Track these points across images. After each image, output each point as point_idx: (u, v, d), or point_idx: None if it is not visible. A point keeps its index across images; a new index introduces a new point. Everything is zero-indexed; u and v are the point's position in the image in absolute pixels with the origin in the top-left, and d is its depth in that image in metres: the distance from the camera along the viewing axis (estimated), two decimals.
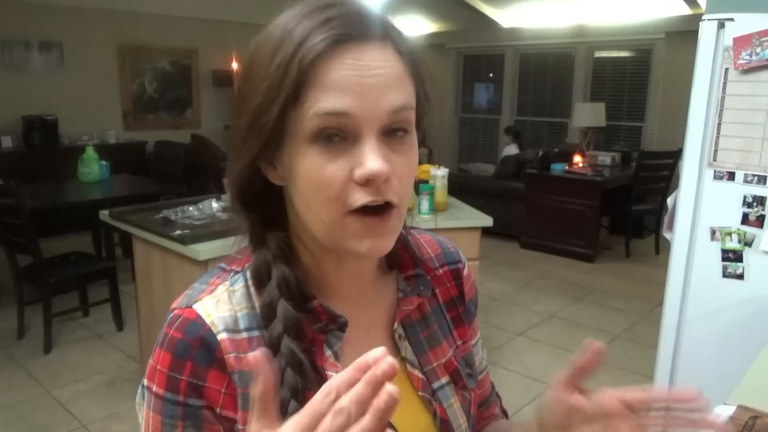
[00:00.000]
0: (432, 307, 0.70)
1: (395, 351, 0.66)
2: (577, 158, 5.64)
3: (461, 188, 4.29)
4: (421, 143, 0.60)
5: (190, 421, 0.56)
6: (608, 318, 3.92)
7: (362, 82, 0.52)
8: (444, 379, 0.67)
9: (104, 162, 4.60)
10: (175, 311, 0.58)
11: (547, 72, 7.24)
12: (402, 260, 0.68)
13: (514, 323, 3.86)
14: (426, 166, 3.20)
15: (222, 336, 0.56)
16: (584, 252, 5.21)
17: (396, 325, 0.65)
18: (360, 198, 0.53)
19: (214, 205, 2.71)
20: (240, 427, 0.56)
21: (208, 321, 0.56)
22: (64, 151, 5.73)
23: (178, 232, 2.36)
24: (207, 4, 6.46)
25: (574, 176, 5.30)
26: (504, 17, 7.12)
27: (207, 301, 0.58)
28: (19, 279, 3.35)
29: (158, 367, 0.56)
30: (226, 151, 0.60)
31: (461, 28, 7.52)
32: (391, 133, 0.54)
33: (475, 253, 2.87)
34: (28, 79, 5.84)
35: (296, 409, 0.54)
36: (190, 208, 2.64)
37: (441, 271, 0.73)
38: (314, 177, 0.53)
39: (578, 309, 4.09)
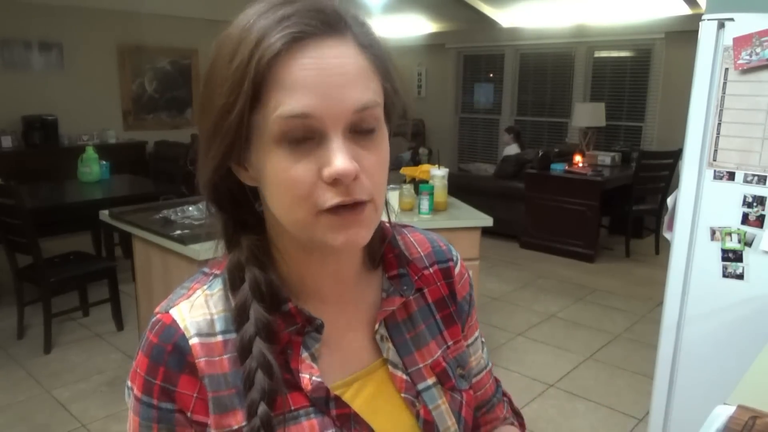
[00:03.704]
0: (419, 307, 0.69)
1: (376, 352, 0.64)
2: (577, 158, 5.65)
3: (461, 188, 4.29)
4: (396, 134, 0.61)
5: (163, 424, 0.57)
6: (608, 318, 3.92)
7: (323, 81, 0.51)
8: (431, 380, 0.66)
9: (104, 162, 4.60)
10: (157, 315, 0.59)
11: (547, 72, 7.24)
12: (387, 259, 0.67)
13: (514, 323, 3.86)
14: (426, 166, 3.20)
15: (194, 341, 0.57)
16: (584, 252, 5.21)
17: (377, 325, 0.64)
18: (330, 198, 0.52)
19: None
20: (212, 431, 0.56)
21: (181, 326, 0.57)
22: (64, 151, 5.74)
23: (177, 232, 2.36)
24: (207, 4, 6.45)
25: (574, 176, 5.30)
26: (504, 17, 7.12)
27: (183, 306, 0.59)
28: (19, 279, 3.35)
29: (137, 370, 0.58)
30: (195, 155, 0.59)
31: (461, 28, 7.52)
32: (358, 131, 0.53)
33: (475, 253, 2.87)
34: (28, 79, 5.84)
35: (265, 412, 0.54)
36: (190, 208, 2.64)
37: (431, 269, 0.71)
38: (282, 178, 0.52)
39: (578, 309, 4.09)
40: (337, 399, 0.59)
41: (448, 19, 7.46)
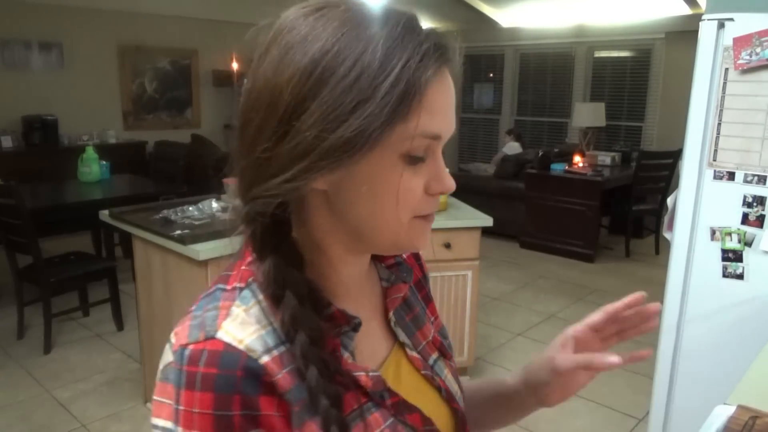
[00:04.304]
0: (410, 291, 0.74)
1: (393, 338, 0.68)
2: (577, 158, 5.64)
3: (461, 188, 4.28)
4: None
5: None
6: None
7: (450, 107, 0.57)
8: (435, 355, 0.72)
9: (104, 162, 4.60)
10: (191, 347, 0.52)
11: (547, 72, 7.24)
12: None
13: (514, 323, 3.86)
14: None
15: (264, 359, 0.53)
16: (584, 252, 5.21)
17: (391, 313, 0.69)
18: (428, 207, 0.59)
19: (214, 205, 2.71)
20: None
21: (242, 347, 0.52)
22: (64, 151, 5.74)
23: (178, 232, 2.36)
24: (207, 4, 6.45)
25: (574, 176, 5.30)
26: (504, 17, 7.12)
27: (229, 327, 0.53)
28: (19, 279, 3.35)
29: (196, 410, 0.50)
30: (254, 163, 0.55)
31: (461, 28, 7.52)
32: None
33: (475, 253, 2.87)
34: (28, 79, 5.84)
35: (340, 418, 0.53)
36: (190, 208, 2.64)
37: (405, 255, 0.77)
38: (401, 189, 0.55)
39: (578, 309, 4.10)
40: (389, 389, 0.62)
41: (448, 19, 7.46)
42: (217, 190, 3.04)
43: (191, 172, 5.16)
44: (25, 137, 5.72)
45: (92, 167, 4.46)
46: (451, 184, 0.58)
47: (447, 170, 0.59)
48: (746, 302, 1.93)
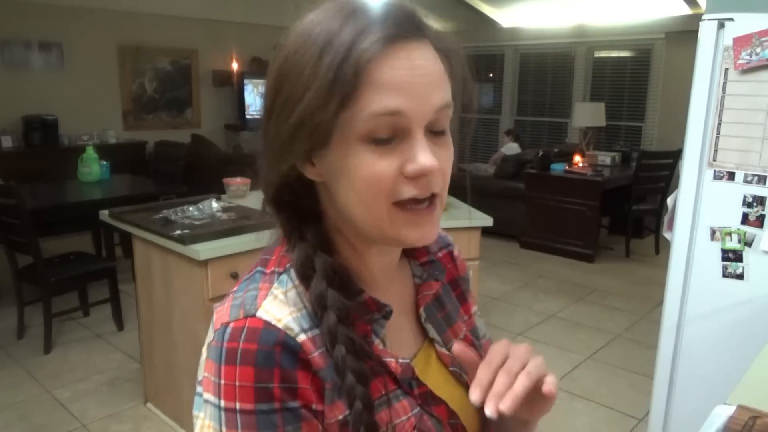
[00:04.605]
0: (443, 289, 0.75)
1: (423, 333, 0.70)
2: (577, 158, 5.64)
3: (461, 188, 4.28)
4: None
5: (290, 426, 0.54)
6: (608, 318, 3.92)
7: (412, 80, 0.54)
8: None
9: (104, 162, 4.59)
10: (232, 324, 0.56)
11: (547, 72, 7.24)
12: (415, 247, 0.71)
13: (514, 323, 3.86)
14: None
15: (301, 337, 0.55)
16: (584, 252, 5.21)
17: (422, 309, 0.70)
18: (408, 191, 0.55)
19: (214, 205, 2.71)
20: (329, 421, 0.56)
21: (280, 326, 0.55)
22: (64, 151, 5.73)
23: (178, 232, 2.36)
24: (207, 4, 6.45)
25: (574, 176, 5.30)
26: (504, 17, 7.12)
27: (269, 307, 0.56)
28: (19, 279, 3.35)
29: (238, 384, 0.53)
30: (260, 155, 0.60)
31: (461, 28, 7.52)
32: (433, 131, 0.57)
33: (475, 253, 2.87)
34: (28, 79, 5.84)
35: (365, 394, 0.55)
36: (190, 208, 2.64)
37: (441, 254, 0.77)
38: (365, 174, 0.54)
39: (578, 309, 4.09)
40: (417, 379, 0.63)
41: (448, 19, 7.45)
42: (217, 190, 3.04)
43: (191, 172, 5.15)
44: (25, 137, 5.71)
45: (92, 167, 4.46)
46: (426, 161, 0.54)
47: (426, 148, 0.54)
48: (746, 302, 1.93)
